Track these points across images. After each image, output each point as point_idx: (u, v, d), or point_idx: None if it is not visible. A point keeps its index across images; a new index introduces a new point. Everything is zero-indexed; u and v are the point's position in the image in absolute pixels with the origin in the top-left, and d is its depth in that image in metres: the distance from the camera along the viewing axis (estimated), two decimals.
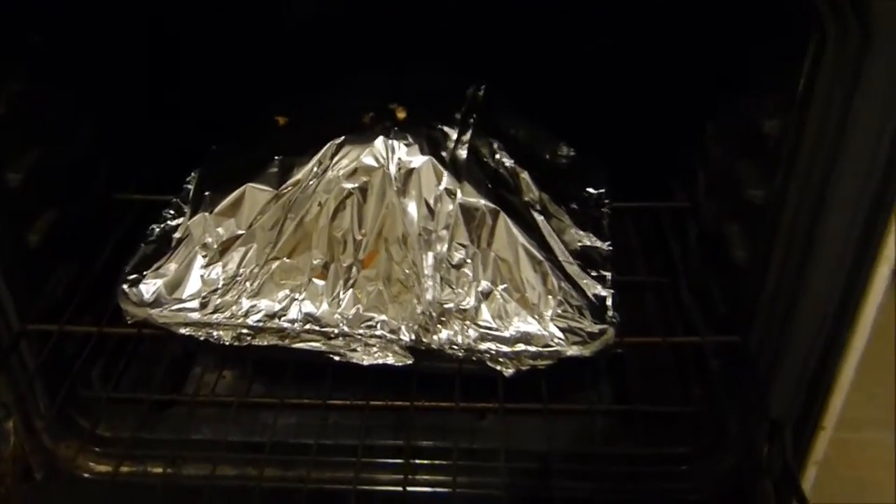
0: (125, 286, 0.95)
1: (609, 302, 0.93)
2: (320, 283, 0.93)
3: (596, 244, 1.00)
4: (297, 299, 0.93)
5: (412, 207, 0.92)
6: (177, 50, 1.33)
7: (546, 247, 0.93)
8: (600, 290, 0.94)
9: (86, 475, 1.03)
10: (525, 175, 0.99)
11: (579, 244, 0.99)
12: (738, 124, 1.01)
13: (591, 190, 1.10)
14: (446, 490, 0.97)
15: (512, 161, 0.99)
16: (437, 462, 1.01)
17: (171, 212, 1.04)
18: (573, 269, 0.94)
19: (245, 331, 0.93)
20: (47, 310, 1.01)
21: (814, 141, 0.81)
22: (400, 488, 0.93)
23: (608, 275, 0.96)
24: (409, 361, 0.91)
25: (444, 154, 0.94)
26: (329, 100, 1.07)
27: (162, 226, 1.02)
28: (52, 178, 1.02)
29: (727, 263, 1.02)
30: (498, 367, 0.91)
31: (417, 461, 1.00)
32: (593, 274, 0.96)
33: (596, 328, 0.90)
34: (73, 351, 1.04)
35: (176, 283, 0.95)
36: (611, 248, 1.00)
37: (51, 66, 1.02)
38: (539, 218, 0.96)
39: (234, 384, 1.14)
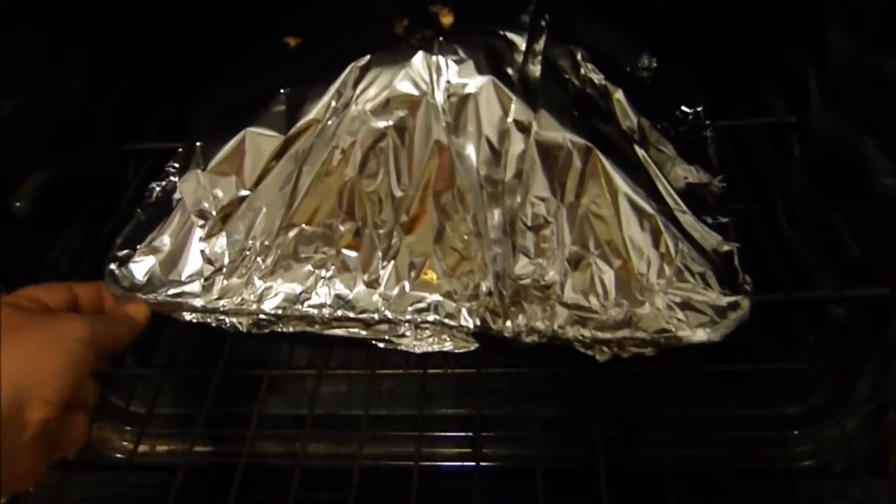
0: (113, 265, 0.60)
1: (736, 261, 0.53)
2: (352, 254, 0.58)
3: (704, 179, 0.60)
4: (323, 277, 0.57)
5: (470, 149, 0.55)
6: None
7: (655, 194, 0.55)
8: (722, 245, 0.55)
9: (119, 455, 0.78)
10: (619, 95, 0.59)
11: (685, 181, 0.59)
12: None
13: (685, 108, 0.68)
14: (526, 464, 0.70)
15: (602, 76, 0.58)
16: (512, 434, 0.74)
17: (176, 165, 0.66)
18: (686, 218, 0.55)
19: (263, 316, 0.58)
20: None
21: None
22: (471, 462, 0.70)
23: (727, 220, 0.56)
24: (473, 347, 0.58)
25: (510, 71, 0.54)
26: (350, 8, 0.64)
27: (163, 184, 0.66)
28: (37, 133, 0.69)
29: (860, 190, 0.65)
30: (589, 353, 0.56)
31: (486, 434, 0.73)
32: (709, 221, 0.57)
33: (725, 301, 0.53)
34: None
35: (172, 261, 0.60)
36: (724, 183, 0.60)
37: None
38: (640, 153, 0.56)
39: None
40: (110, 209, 0.74)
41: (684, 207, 0.56)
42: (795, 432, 0.73)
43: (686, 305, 0.53)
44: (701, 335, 0.52)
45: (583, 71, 0.58)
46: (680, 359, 0.69)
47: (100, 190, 0.78)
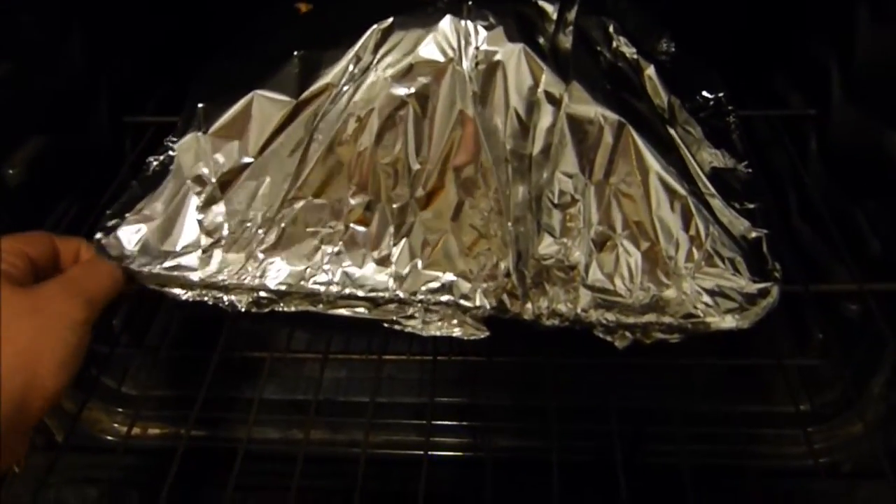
0: (100, 234, 0.57)
1: (765, 248, 0.52)
2: (362, 230, 0.56)
3: (730, 165, 0.59)
4: (330, 253, 0.55)
5: (496, 121, 0.53)
6: None
7: (686, 175, 0.53)
8: (750, 231, 0.53)
9: (109, 437, 0.74)
10: (651, 71, 0.58)
11: (710, 165, 0.57)
12: None
13: (706, 94, 0.66)
14: (539, 457, 0.68)
15: (634, 50, 0.56)
16: (521, 425, 0.72)
17: (175, 139, 0.63)
18: (715, 202, 0.54)
19: (265, 294, 0.55)
20: None
21: None
22: (479, 453, 0.69)
23: (754, 207, 0.56)
24: (483, 335, 0.54)
25: (541, 40, 0.52)
26: None
27: (161, 158, 0.63)
28: (33, 100, 0.66)
29: (884, 186, 0.65)
30: (608, 339, 0.53)
31: (494, 424, 0.72)
32: (737, 207, 0.55)
33: (755, 287, 0.51)
34: None
35: (166, 230, 0.57)
36: (749, 169, 0.59)
37: None
38: (672, 132, 0.54)
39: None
40: (107, 182, 0.70)
41: (713, 191, 0.55)
42: (808, 429, 0.71)
43: (715, 291, 0.51)
44: (730, 322, 0.50)
45: (615, 44, 0.57)
46: (691, 352, 0.68)
47: (96, 162, 0.74)
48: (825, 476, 0.68)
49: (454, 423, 0.72)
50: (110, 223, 0.57)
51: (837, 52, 0.72)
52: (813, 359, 0.75)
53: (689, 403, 0.71)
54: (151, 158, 0.64)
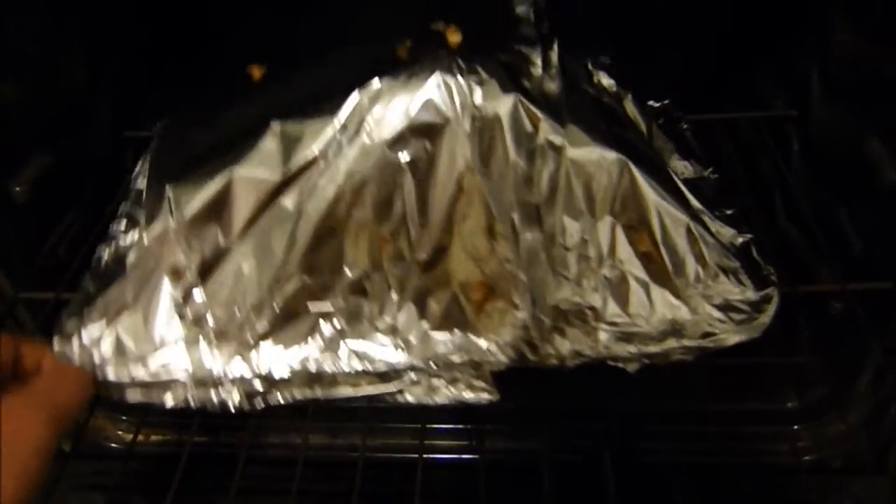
0: (59, 341, 0.52)
1: (755, 252, 0.55)
2: (362, 301, 0.54)
3: (699, 173, 0.62)
4: (331, 331, 0.53)
5: (500, 174, 0.52)
6: None
7: (682, 199, 0.54)
8: (737, 238, 0.56)
9: (113, 445, 0.76)
10: (629, 99, 0.58)
11: (682, 176, 0.60)
12: None
13: (652, 103, 0.69)
14: (531, 458, 0.68)
15: (613, 82, 0.58)
16: (514, 427, 0.73)
17: (123, 227, 0.59)
18: (705, 218, 0.57)
19: (261, 386, 0.52)
20: (51, 270, 0.67)
21: None
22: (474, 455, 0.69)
23: (733, 212, 0.59)
24: (494, 398, 0.53)
25: (529, 87, 0.51)
26: (332, 29, 0.59)
27: (112, 249, 0.58)
28: (37, 117, 0.68)
29: (864, 185, 0.66)
30: (621, 365, 0.54)
31: (488, 426, 0.72)
32: (717, 214, 0.59)
33: (757, 295, 0.54)
34: None
35: (141, 328, 0.52)
36: (716, 174, 0.62)
37: None
38: (661, 158, 0.56)
39: None
40: (109, 196, 0.70)
41: (701, 206, 0.56)
42: (794, 427, 0.73)
43: (725, 306, 0.53)
44: (743, 334, 0.52)
45: (595, 79, 0.58)
46: None
47: (98, 177, 0.75)
48: (812, 473, 0.70)
49: (449, 426, 0.73)
50: (69, 326, 0.52)
51: (816, 55, 0.74)
52: (800, 357, 0.75)
53: (679, 403, 0.73)
54: (102, 251, 0.59)
